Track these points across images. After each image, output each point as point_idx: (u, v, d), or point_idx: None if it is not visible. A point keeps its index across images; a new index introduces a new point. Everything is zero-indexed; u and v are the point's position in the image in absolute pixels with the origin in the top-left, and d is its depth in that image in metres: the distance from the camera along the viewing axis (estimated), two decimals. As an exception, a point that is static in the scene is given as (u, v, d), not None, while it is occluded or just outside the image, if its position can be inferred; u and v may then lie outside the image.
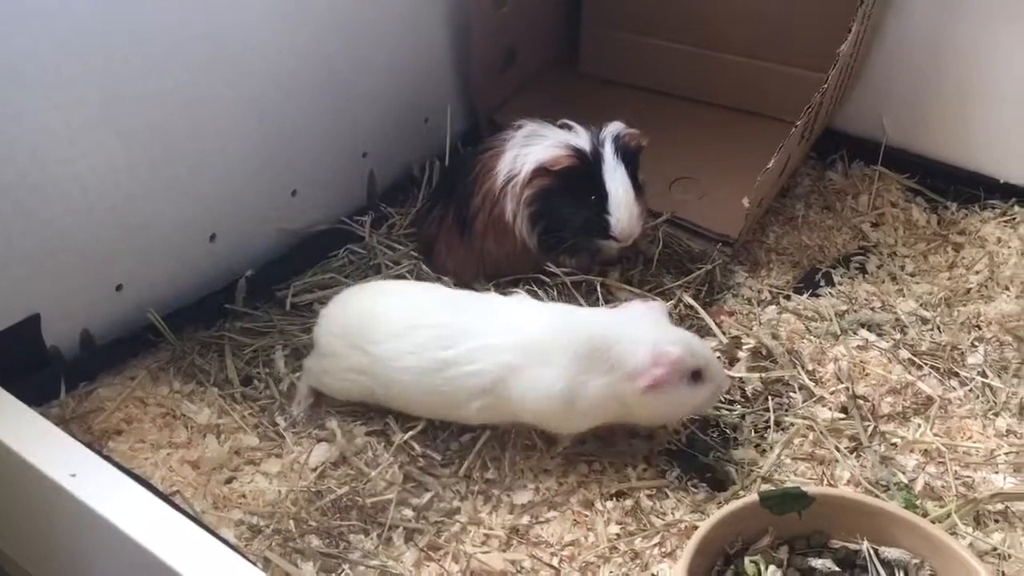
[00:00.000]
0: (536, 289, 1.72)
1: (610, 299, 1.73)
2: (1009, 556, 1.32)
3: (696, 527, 1.25)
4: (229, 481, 1.42)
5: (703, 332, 1.66)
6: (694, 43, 2.14)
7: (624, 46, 2.22)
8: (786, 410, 1.53)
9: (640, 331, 1.37)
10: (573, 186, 1.65)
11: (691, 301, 1.72)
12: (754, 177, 1.73)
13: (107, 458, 1.26)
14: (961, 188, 2.01)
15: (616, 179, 1.65)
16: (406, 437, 1.47)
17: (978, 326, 1.70)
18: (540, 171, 1.66)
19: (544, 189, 1.66)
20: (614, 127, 1.69)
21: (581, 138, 1.68)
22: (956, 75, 1.98)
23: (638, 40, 2.20)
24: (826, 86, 1.75)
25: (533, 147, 1.69)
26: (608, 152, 1.66)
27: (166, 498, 1.21)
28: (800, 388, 1.57)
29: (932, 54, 1.98)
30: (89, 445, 1.27)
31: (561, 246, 1.71)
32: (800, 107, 1.74)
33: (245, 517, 1.35)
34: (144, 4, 1.45)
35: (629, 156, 1.67)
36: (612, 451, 1.47)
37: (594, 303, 1.70)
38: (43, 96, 1.38)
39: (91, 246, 1.51)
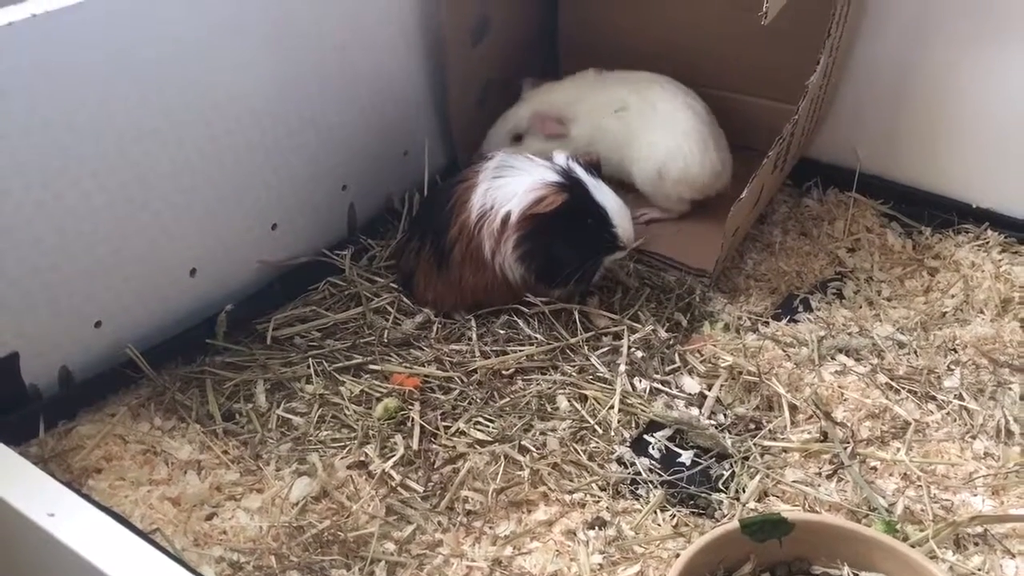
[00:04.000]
0: (516, 319, 1.74)
1: (590, 327, 1.74)
2: (989, 579, 1.32)
3: (678, 555, 1.25)
4: (210, 517, 1.41)
5: (677, 366, 1.68)
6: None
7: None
8: (766, 436, 1.54)
9: None
10: (568, 217, 1.68)
11: (664, 334, 1.74)
12: (728, 208, 1.74)
13: (86, 497, 1.25)
14: (935, 213, 2.04)
15: (606, 195, 1.72)
16: (386, 466, 1.46)
17: (954, 349, 1.72)
18: (530, 216, 1.68)
19: (535, 229, 1.69)
20: (564, 154, 1.75)
21: (552, 171, 1.71)
22: (926, 102, 2.01)
23: (614, 73, 2.23)
24: (797, 117, 1.77)
25: (503, 180, 1.72)
26: (584, 175, 1.71)
27: (145, 536, 1.20)
28: (779, 414, 1.58)
29: (902, 83, 2.02)
30: (68, 484, 1.26)
31: (569, 276, 1.73)
32: (772, 138, 1.77)
33: (226, 553, 1.34)
34: (120, 45, 1.46)
35: (599, 172, 1.76)
36: (592, 479, 1.47)
37: (573, 332, 1.72)
38: (17, 137, 1.38)
39: (68, 283, 1.51)
